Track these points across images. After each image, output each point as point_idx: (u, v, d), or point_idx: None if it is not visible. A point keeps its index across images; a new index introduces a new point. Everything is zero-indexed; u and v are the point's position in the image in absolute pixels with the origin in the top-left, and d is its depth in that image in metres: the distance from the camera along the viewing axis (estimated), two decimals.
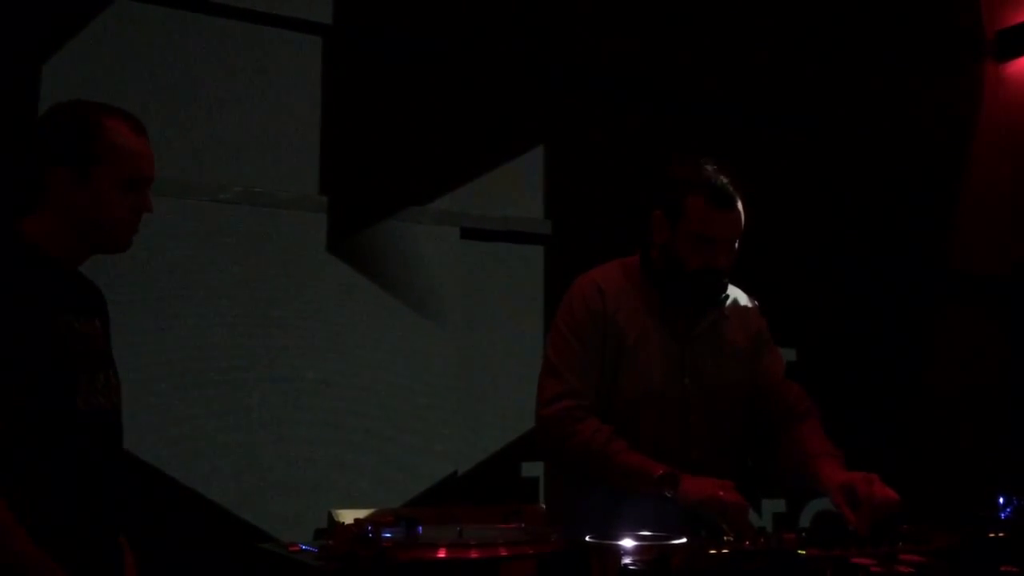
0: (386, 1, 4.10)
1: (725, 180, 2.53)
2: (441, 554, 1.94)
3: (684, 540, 1.94)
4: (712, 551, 1.96)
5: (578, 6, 4.43)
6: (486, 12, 4.26)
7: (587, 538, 1.92)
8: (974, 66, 4.89)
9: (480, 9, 4.25)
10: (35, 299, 2.01)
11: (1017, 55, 4.79)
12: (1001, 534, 2.19)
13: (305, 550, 2.10)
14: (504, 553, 1.96)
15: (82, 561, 2.01)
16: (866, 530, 2.18)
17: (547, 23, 4.36)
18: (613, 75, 4.49)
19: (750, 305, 2.78)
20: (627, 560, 1.85)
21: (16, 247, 2.05)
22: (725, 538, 2.07)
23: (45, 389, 1.98)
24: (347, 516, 2.68)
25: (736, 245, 2.59)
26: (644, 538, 1.91)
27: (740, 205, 2.54)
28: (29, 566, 1.89)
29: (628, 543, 1.87)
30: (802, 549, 2.01)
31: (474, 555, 1.94)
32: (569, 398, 2.53)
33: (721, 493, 2.31)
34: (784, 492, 4.52)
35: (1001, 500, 2.38)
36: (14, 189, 2.16)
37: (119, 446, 2.20)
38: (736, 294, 2.75)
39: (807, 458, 2.50)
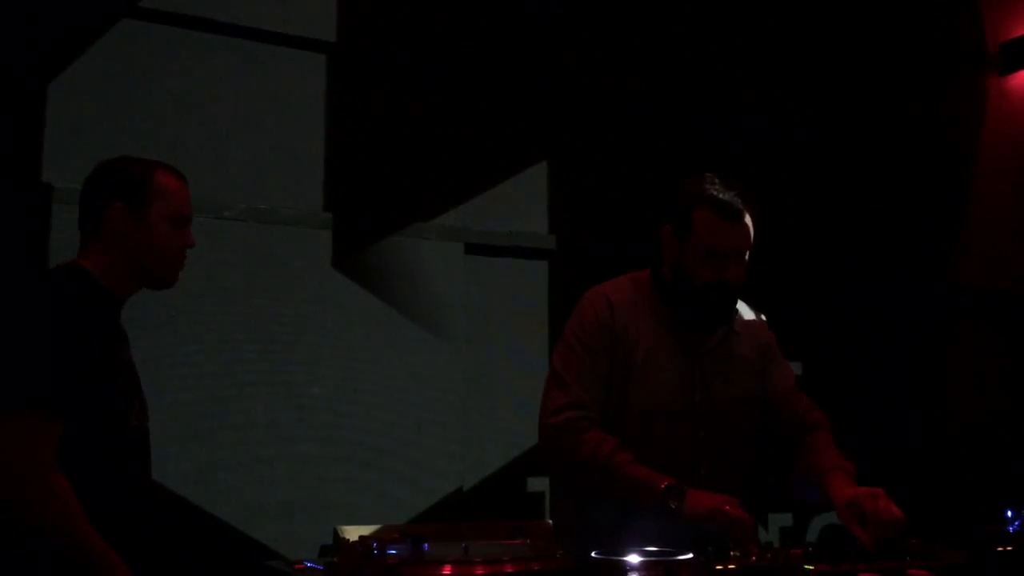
0: (390, 19, 4.12)
1: (733, 193, 2.54)
2: (447, 571, 1.93)
3: (690, 556, 1.93)
4: (719, 567, 1.95)
5: (581, 23, 4.44)
6: (489, 28, 4.27)
7: (593, 554, 1.92)
8: (977, 79, 4.88)
9: (483, 25, 4.26)
10: (98, 330, 2.24)
11: (1020, 68, 4.78)
12: (1009, 548, 2.18)
13: (311, 567, 2.10)
14: (510, 569, 1.95)
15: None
16: (873, 547, 2.18)
17: (550, 40, 4.37)
18: (616, 90, 4.50)
19: (758, 320, 2.78)
20: None
21: (81, 281, 2.27)
22: (732, 554, 2.06)
23: (112, 412, 2.23)
24: (352, 533, 2.67)
25: (745, 258, 2.59)
26: (650, 554, 1.91)
27: (748, 218, 2.55)
28: (97, 559, 2.05)
29: (634, 559, 1.87)
30: (809, 564, 2.00)
31: (480, 571, 1.94)
32: (574, 408, 2.52)
33: (726, 508, 2.30)
34: (794, 506, 4.50)
35: (1009, 514, 2.37)
36: (78, 227, 2.35)
37: (150, 462, 2.42)
38: (743, 308, 2.75)
39: (818, 472, 2.49)
